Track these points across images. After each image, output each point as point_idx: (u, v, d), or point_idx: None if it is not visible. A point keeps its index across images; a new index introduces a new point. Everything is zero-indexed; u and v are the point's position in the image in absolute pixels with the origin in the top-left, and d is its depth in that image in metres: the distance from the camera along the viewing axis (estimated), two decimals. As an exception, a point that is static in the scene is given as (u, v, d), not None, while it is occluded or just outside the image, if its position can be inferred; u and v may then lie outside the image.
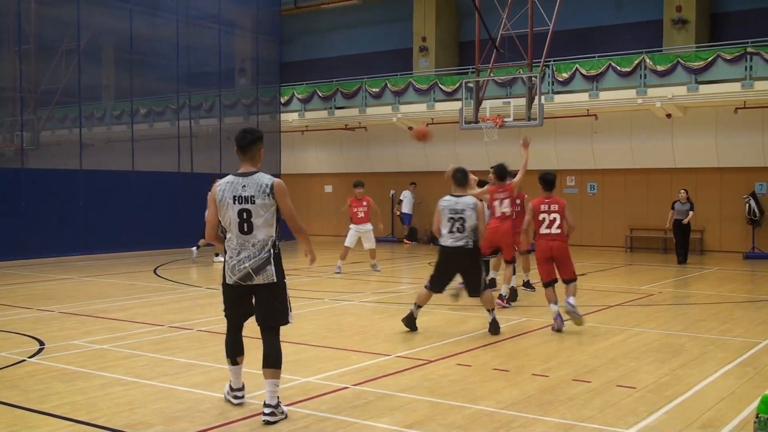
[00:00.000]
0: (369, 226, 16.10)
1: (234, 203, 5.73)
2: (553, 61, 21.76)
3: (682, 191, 18.78)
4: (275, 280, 5.76)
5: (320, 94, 26.54)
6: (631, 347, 8.44)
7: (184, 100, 23.08)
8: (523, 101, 18.82)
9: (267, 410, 5.60)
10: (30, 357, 7.91)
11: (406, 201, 25.21)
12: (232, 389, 6.12)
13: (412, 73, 25.95)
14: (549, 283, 9.49)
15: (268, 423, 5.55)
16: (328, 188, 26.34)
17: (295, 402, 6.13)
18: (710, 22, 22.92)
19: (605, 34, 24.15)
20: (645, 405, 6.10)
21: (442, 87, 23.85)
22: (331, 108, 26.40)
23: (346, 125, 26.77)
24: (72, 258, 18.86)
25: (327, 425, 5.58)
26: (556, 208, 9.45)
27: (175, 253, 20.42)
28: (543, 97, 20.08)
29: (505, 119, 18.69)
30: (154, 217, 21.02)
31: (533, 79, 18.45)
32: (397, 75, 25.59)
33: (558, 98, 21.96)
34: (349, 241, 16.11)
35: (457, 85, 23.01)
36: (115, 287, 14.00)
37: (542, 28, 18.56)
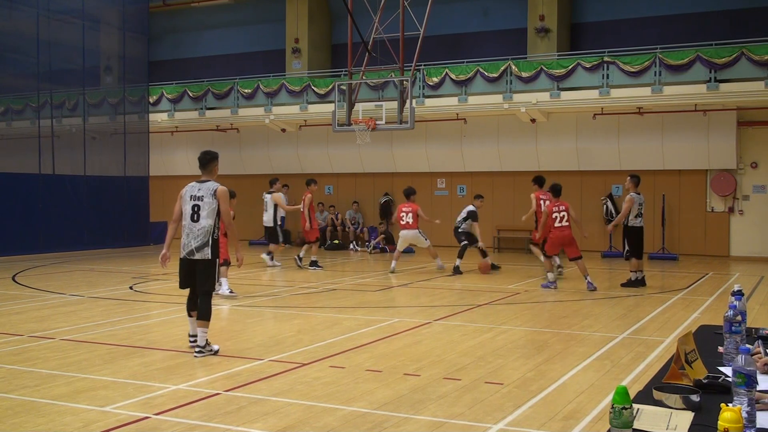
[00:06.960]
0: None
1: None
2: (424, 65, 22.19)
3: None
4: None
5: (190, 95, 25.96)
6: (499, 344, 8.73)
7: (46, 98, 21.99)
8: (394, 104, 19.07)
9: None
10: None
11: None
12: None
13: (284, 75, 25.79)
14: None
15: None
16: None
17: (164, 411, 5.98)
18: (570, 31, 24.02)
19: (473, 41, 24.84)
20: (512, 400, 6.33)
21: (314, 89, 23.85)
22: (201, 109, 25.88)
23: (217, 126, 26.32)
24: None
25: (198, 433, 5.48)
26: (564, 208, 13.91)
27: (34, 258, 19.46)
28: (414, 100, 20.45)
29: (378, 122, 18.89)
30: (12, 221, 19.93)
31: (404, 82, 18.75)
32: (269, 76, 25.38)
33: (428, 102, 22.41)
34: None
35: (329, 87, 23.07)
36: (-32, 296, 13.18)
37: (413, 33, 18.88)
